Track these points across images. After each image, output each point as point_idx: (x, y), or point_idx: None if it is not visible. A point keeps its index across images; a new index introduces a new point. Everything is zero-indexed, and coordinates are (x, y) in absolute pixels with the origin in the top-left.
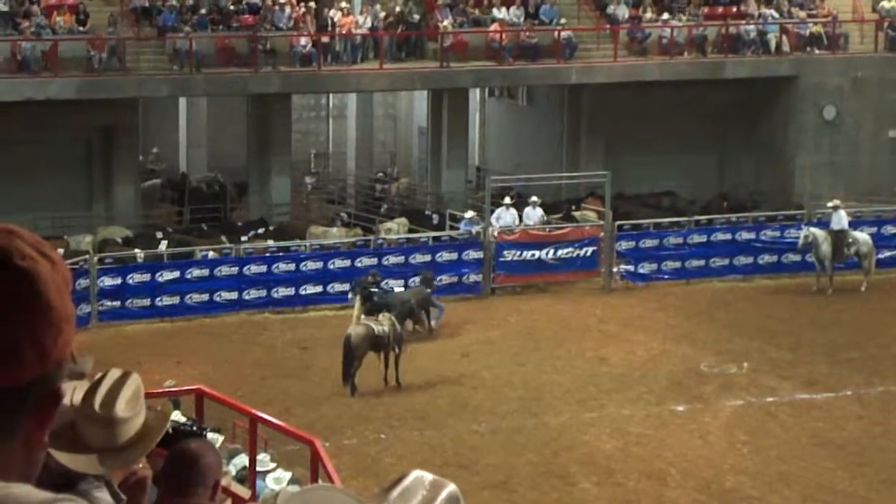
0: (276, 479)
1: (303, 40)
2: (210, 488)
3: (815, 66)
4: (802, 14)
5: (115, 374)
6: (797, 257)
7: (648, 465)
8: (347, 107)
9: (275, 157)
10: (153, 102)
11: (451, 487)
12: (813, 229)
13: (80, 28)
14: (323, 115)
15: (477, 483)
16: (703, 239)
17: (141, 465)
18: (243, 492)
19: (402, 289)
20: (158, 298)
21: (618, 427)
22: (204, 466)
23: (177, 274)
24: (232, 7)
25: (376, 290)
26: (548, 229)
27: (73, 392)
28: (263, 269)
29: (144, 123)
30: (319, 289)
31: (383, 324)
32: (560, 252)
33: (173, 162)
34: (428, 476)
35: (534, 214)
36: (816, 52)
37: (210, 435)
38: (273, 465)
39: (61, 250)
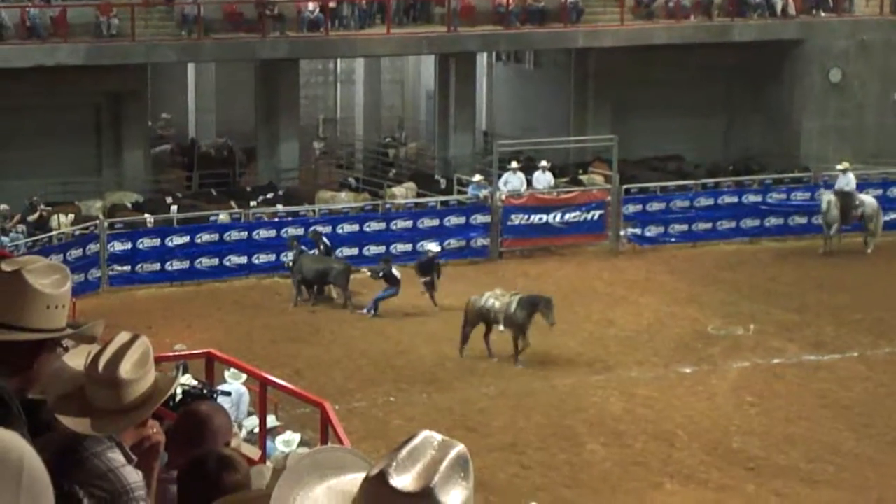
0: (286, 442)
1: (310, 5)
2: None
3: (821, 29)
4: None
5: (123, 337)
6: (803, 219)
7: (656, 427)
8: (355, 72)
9: (283, 122)
10: (162, 68)
11: (459, 448)
12: (830, 194)
13: None
14: (331, 81)
15: (485, 445)
16: (710, 202)
17: (155, 430)
18: (253, 453)
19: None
20: (168, 263)
21: (625, 389)
22: (214, 427)
23: (186, 239)
24: None
25: (303, 250)
26: (555, 193)
27: (86, 357)
28: (273, 233)
29: (153, 89)
30: None
31: (498, 299)
32: (567, 216)
33: (182, 127)
34: (436, 437)
35: (543, 179)
36: (822, 14)
37: (236, 390)
38: (278, 424)
39: (72, 215)
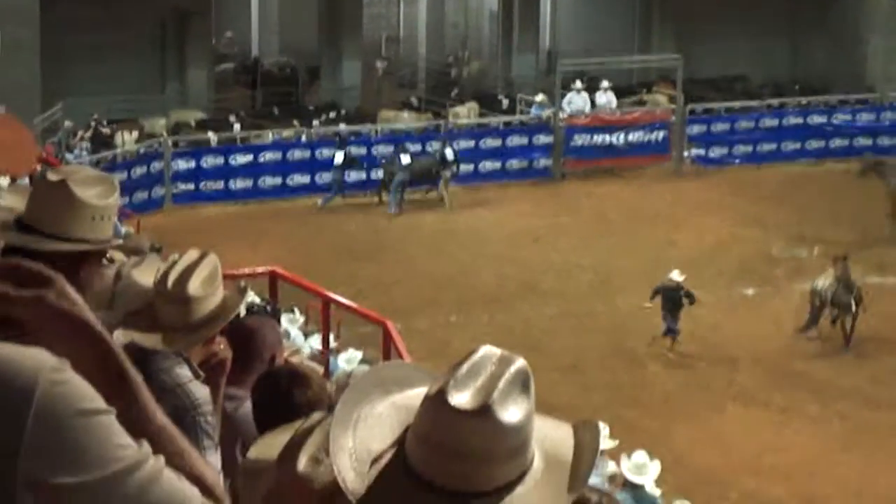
0: (348, 360)
1: None
2: (266, 363)
3: None
4: None
5: (192, 255)
6: (868, 141)
7: (718, 349)
8: None
9: (346, 40)
10: None
11: (520, 363)
12: None
13: None
14: None
15: (546, 364)
16: (775, 123)
17: (222, 346)
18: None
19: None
20: (232, 181)
21: (687, 311)
22: (259, 341)
23: (250, 157)
24: None
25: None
26: (619, 113)
27: (155, 274)
28: (335, 153)
29: (217, 7)
30: None
31: (827, 277)
32: (630, 136)
33: (246, 46)
34: (496, 351)
35: (604, 98)
36: None
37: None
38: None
39: (136, 133)
